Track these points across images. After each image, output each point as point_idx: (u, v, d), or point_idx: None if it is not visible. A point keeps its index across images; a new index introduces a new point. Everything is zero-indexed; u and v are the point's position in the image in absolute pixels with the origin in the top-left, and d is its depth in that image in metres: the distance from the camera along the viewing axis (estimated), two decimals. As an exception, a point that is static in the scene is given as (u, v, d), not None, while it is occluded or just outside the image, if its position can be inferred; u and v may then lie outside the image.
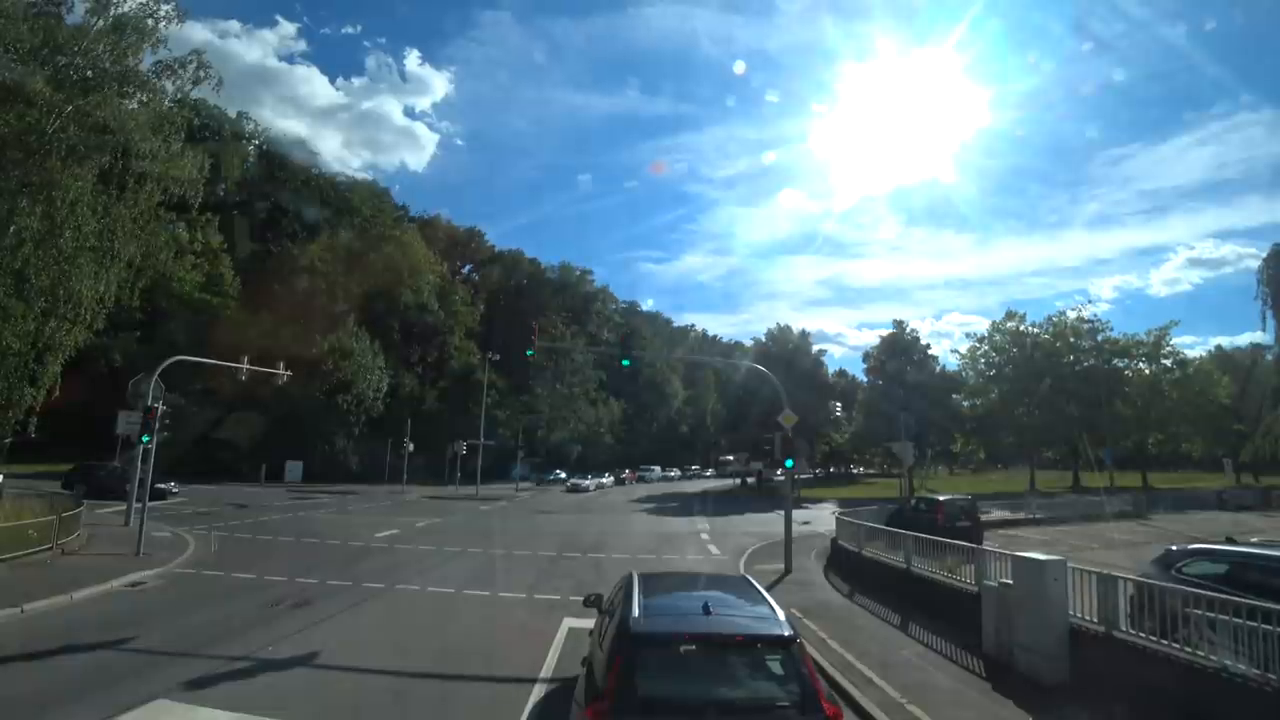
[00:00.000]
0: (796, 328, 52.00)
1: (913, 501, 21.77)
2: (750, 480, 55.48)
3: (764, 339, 52.03)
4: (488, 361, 45.88)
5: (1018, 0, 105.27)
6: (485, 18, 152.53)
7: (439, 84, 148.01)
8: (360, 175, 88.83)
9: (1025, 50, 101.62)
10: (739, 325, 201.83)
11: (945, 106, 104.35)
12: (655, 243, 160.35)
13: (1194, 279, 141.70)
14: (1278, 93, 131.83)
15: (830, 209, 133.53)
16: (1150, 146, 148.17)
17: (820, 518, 30.85)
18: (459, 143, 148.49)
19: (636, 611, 4.87)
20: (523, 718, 6.74)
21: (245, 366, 25.18)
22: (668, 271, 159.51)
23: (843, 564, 16.68)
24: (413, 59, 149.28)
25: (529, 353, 16.81)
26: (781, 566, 16.96)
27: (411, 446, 37.92)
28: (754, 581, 6.35)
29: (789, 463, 17.00)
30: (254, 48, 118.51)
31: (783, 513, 30.97)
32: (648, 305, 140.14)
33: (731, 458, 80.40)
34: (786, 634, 4.63)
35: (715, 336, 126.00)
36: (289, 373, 27.30)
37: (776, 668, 4.54)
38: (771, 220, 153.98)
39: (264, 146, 68.89)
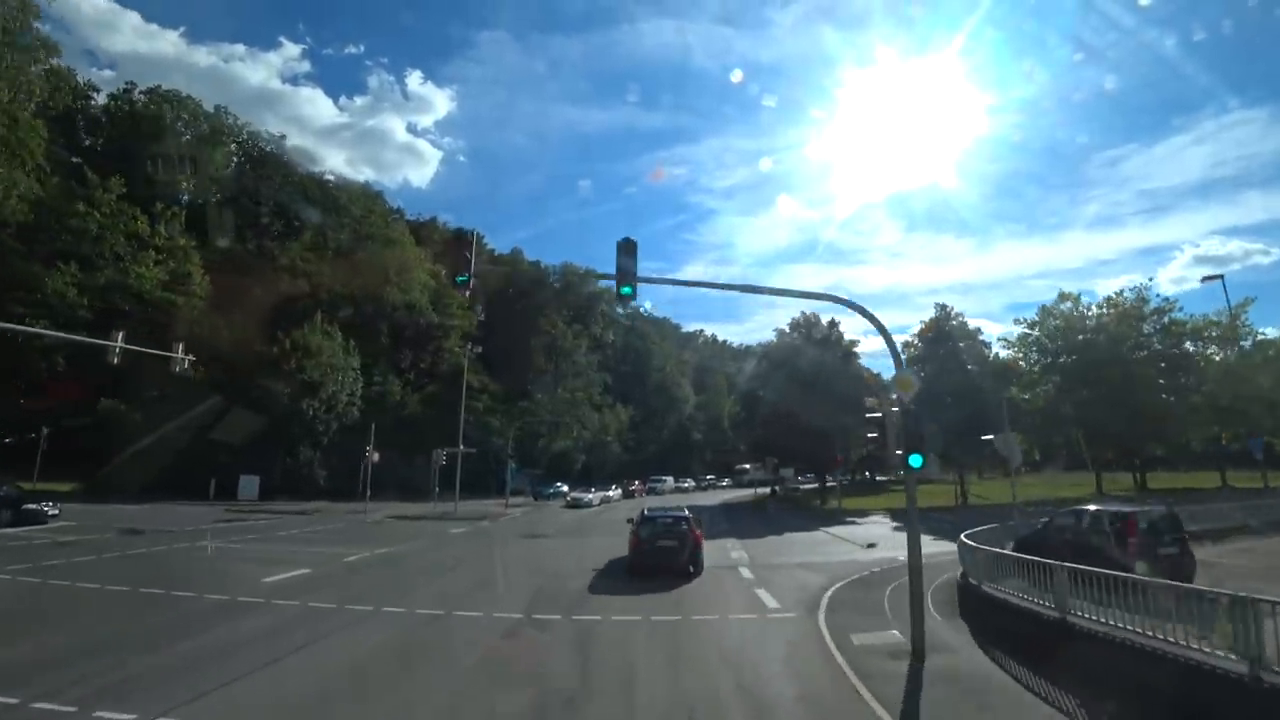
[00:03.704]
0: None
1: (1074, 518, 14.28)
2: (778, 490, 47.93)
3: (786, 329, 44.80)
4: (469, 353, 38.59)
5: (1015, 10, 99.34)
6: (483, 37, 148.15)
7: (441, 101, 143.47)
8: (354, 177, 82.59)
9: (1023, 57, 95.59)
10: (743, 334, 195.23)
11: (944, 113, 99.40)
12: (656, 254, 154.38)
13: (1201, 277, 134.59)
14: (1275, 90, 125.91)
15: (830, 216, 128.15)
16: (1146, 147, 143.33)
17: (879, 536, 23.60)
18: (461, 159, 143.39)
19: (647, 511, 16.30)
20: None
21: (118, 345, 18.17)
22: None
23: (1012, 632, 9.38)
24: (415, 78, 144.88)
25: (460, 279, 9.72)
26: (896, 635, 9.74)
27: (376, 456, 30.86)
28: (684, 508, 17.66)
29: (916, 460, 9.69)
30: (258, 70, 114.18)
31: (829, 532, 23.59)
32: (647, 307, 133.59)
33: (749, 466, 73.07)
34: (687, 515, 15.79)
35: (724, 341, 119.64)
36: (190, 357, 20.33)
37: (683, 525, 14.93)
38: (772, 229, 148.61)
39: (245, 143, 62.80)
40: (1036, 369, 44.99)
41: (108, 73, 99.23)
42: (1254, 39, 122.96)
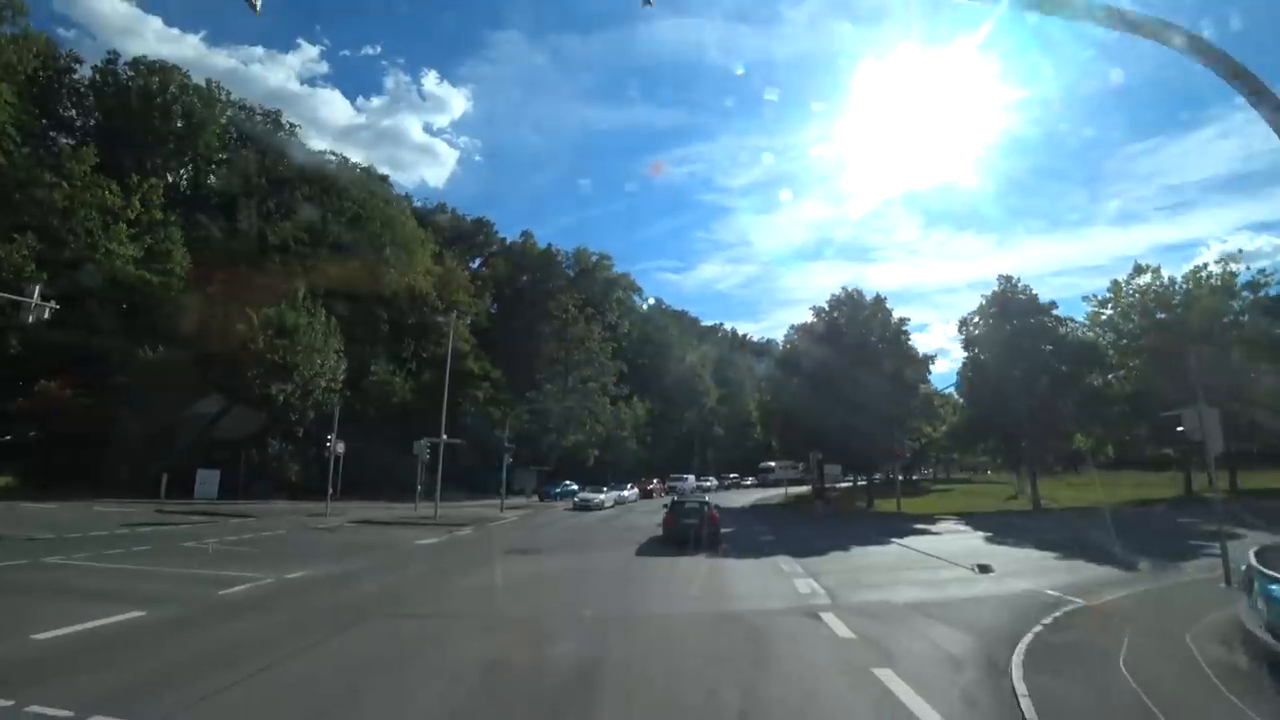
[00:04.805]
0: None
1: None
2: (826, 491, 41.26)
3: (824, 306, 38.18)
4: (454, 321, 32.46)
5: (1034, 6, 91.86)
6: (498, 37, 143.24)
7: (458, 101, 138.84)
8: (358, 160, 77.42)
9: (1043, 53, 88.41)
10: (760, 332, 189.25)
11: (963, 109, 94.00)
12: (672, 252, 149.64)
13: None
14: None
15: (847, 213, 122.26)
16: (1171, 141, 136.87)
17: (978, 551, 17.44)
18: (478, 158, 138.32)
19: (676, 498, 24.86)
20: None
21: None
22: (686, 281, 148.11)
23: None
24: (431, 78, 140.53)
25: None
26: None
27: (342, 447, 25.29)
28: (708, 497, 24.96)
29: None
30: (277, 72, 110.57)
31: (906, 546, 17.53)
32: (651, 304, 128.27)
33: (774, 464, 66.89)
34: (708, 500, 21.91)
35: (744, 335, 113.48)
36: (51, 304, 14.82)
37: (704, 509, 19.21)
38: (788, 227, 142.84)
39: (238, 119, 57.92)
40: (1112, 353, 38.11)
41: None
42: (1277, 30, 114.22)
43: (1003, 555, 16.65)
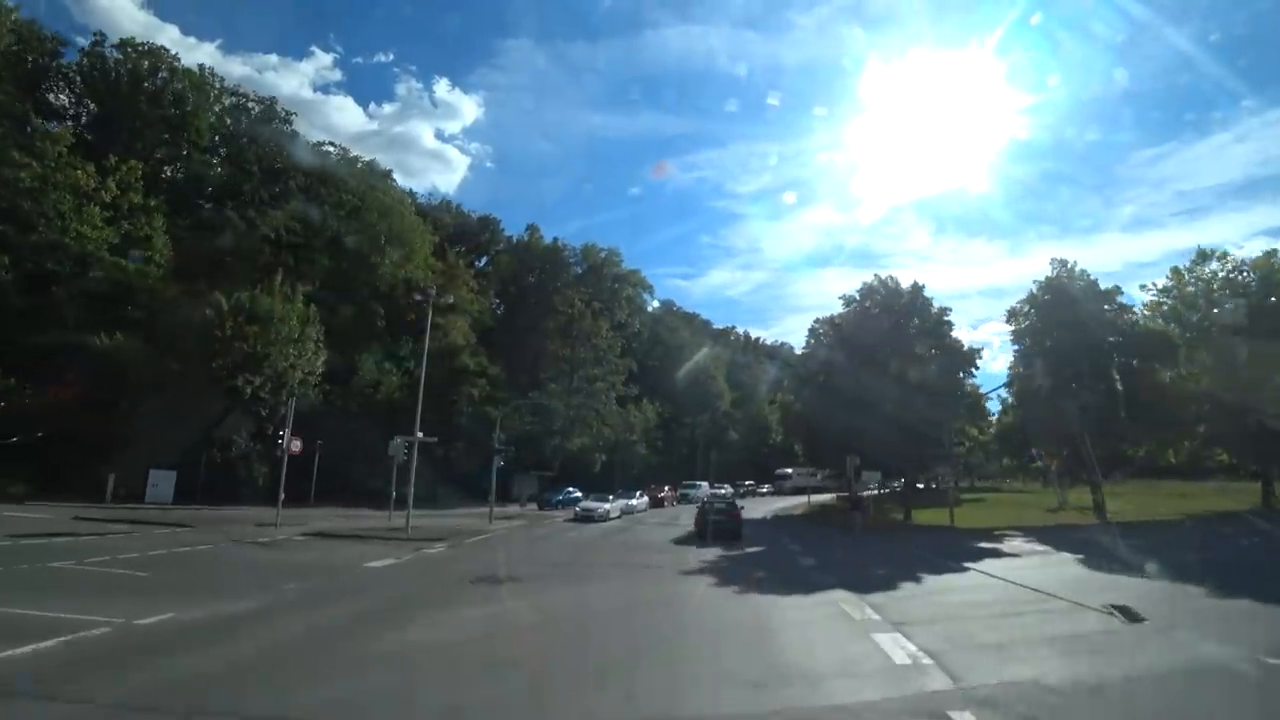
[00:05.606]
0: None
1: None
2: (864, 502, 36.87)
3: (856, 295, 33.94)
4: (432, 299, 28.30)
5: (1048, 9, 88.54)
6: (509, 45, 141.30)
7: (469, 108, 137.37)
8: (359, 153, 74.11)
9: (1057, 57, 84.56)
10: (770, 338, 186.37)
11: (976, 114, 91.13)
12: (681, 259, 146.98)
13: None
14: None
15: (857, 220, 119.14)
16: (1185, 146, 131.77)
17: (1079, 580, 13.27)
18: (489, 164, 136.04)
19: (706, 499, 32.28)
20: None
21: None
22: (695, 287, 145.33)
23: None
24: (442, 85, 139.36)
25: None
26: None
27: (298, 446, 21.38)
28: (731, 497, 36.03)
29: None
30: (291, 79, 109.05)
31: (986, 574, 12.72)
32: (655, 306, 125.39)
33: (790, 470, 62.63)
34: (733, 499, 32.98)
35: (758, 339, 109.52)
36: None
37: (730, 508, 25.05)
38: (798, 233, 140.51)
39: (231, 108, 54.90)
40: (1181, 345, 33.61)
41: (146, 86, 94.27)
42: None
43: (1128, 590, 12.38)
